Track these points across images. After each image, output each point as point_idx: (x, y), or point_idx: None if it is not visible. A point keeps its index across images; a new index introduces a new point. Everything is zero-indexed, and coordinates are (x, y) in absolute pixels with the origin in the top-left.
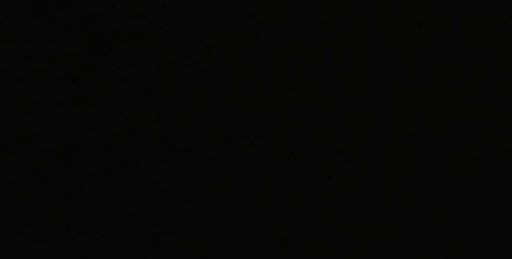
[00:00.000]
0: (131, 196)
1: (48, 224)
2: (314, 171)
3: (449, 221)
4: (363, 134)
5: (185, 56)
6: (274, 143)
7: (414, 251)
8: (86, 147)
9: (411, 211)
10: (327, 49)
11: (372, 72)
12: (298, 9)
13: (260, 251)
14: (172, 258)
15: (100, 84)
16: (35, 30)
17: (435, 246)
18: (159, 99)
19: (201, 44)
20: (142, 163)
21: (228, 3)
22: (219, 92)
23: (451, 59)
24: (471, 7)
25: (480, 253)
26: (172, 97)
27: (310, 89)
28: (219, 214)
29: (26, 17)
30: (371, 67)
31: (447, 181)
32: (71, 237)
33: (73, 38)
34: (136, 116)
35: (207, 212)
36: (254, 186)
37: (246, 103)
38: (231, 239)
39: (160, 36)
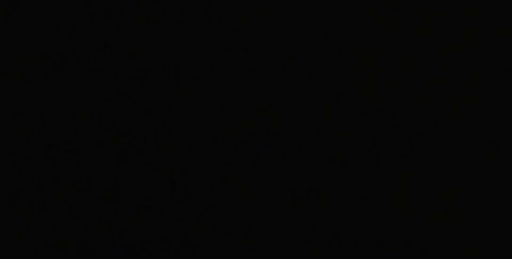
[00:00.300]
0: (130, 196)
1: (48, 224)
2: (313, 172)
3: (449, 221)
4: (362, 134)
5: (183, 58)
6: (273, 144)
7: (414, 251)
8: (85, 147)
9: (410, 212)
10: (326, 49)
11: (372, 73)
12: (297, 9)
13: (258, 251)
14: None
15: (98, 84)
16: (35, 29)
17: (435, 246)
18: (157, 100)
19: (200, 46)
20: (140, 163)
21: (227, 4)
22: (217, 93)
23: (451, 59)
24: (471, 7)
25: (480, 253)
26: (169, 97)
27: (308, 89)
28: (217, 215)
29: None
30: (371, 68)
31: (446, 181)
32: (70, 237)
33: (71, 38)
34: (134, 116)
35: (205, 212)
36: (252, 186)
37: (243, 104)
38: (229, 239)
39: (158, 38)
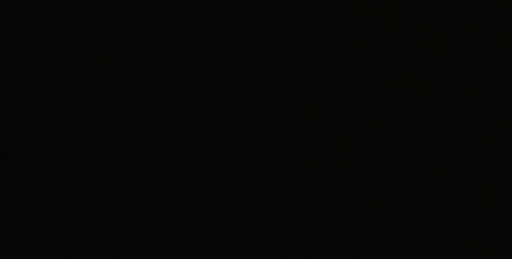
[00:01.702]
0: (128, 197)
1: (47, 224)
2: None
3: (448, 222)
4: (362, 135)
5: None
6: (271, 145)
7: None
8: (83, 147)
9: (410, 212)
10: (325, 50)
11: (371, 73)
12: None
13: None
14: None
15: (96, 85)
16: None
17: (435, 246)
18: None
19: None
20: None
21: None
22: (214, 94)
23: (450, 59)
24: (470, 7)
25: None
26: (167, 98)
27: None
28: (215, 216)
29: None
30: (370, 68)
31: (446, 182)
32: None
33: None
34: (133, 116)
35: (204, 213)
36: (251, 187)
37: (242, 105)
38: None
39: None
